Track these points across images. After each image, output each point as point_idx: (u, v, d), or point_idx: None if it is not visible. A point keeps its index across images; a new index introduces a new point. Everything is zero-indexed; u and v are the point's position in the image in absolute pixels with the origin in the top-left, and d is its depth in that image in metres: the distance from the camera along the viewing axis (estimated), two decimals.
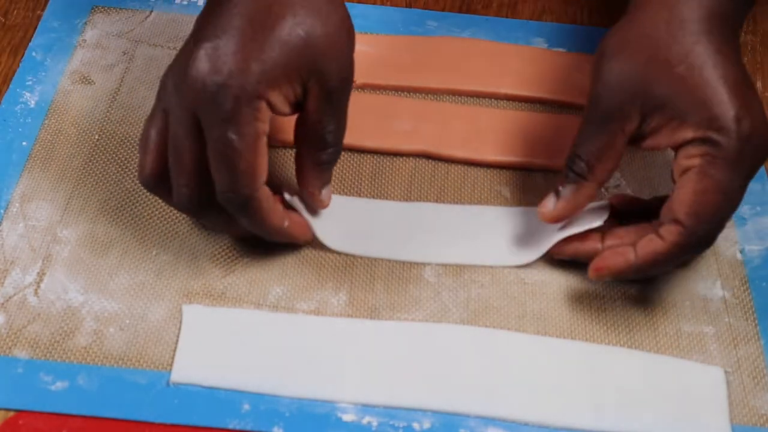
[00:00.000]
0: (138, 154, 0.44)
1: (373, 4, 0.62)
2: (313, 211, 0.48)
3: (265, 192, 0.42)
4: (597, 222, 0.46)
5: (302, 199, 0.47)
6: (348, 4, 0.61)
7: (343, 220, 0.49)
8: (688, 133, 0.42)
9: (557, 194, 0.46)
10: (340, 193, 0.51)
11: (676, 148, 0.43)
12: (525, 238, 0.49)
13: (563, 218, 0.46)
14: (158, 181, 0.43)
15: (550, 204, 0.46)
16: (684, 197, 0.42)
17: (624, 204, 0.48)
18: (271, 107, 0.41)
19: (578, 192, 0.45)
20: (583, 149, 0.45)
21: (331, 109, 0.43)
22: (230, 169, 0.40)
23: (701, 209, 0.42)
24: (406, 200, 0.51)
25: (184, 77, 0.40)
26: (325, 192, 0.47)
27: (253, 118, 0.40)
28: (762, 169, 0.54)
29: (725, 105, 0.41)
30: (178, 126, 0.41)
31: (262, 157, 0.41)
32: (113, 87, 0.55)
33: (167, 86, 0.42)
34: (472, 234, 0.50)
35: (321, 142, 0.44)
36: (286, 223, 0.45)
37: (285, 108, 0.42)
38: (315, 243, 0.48)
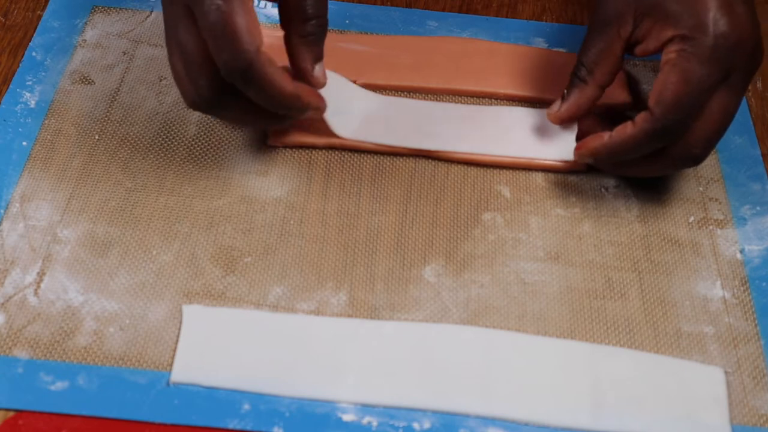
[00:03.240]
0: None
1: (373, 4, 0.62)
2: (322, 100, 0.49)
3: (265, 56, 0.43)
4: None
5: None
6: (348, 4, 0.62)
7: (354, 110, 0.52)
8: (670, 32, 0.46)
9: (563, 98, 0.51)
10: (340, 194, 0.51)
11: (661, 49, 0.47)
12: (543, 137, 0.53)
13: (568, 119, 0.51)
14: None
15: (556, 106, 0.51)
16: (654, 87, 0.46)
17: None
18: None
19: (581, 94, 0.50)
20: (585, 56, 0.49)
21: None
22: (224, 37, 0.41)
23: (665, 97, 0.45)
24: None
25: None
26: (318, 68, 0.47)
27: None
28: (762, 169, 0.54)
29: (707, 6, 0.45)
30: (178, 24, 0.43)
31: (253, 19, 0.42)
32: (113, 87, 0.55)
33: (163, 3, 0.44)
34: (490, 128, 0.54)
35: (303, 13, 0.46)
36: (297, 89, 0.45)
37: None
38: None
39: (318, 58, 0.47)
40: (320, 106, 0.48)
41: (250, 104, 0.45)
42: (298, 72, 0.47)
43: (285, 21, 0.47)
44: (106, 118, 0.53)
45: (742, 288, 0.48)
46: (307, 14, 0.46)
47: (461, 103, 0.56)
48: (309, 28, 0.46)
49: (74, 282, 0.46)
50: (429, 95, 0.56)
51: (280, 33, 0.58)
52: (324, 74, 0.48)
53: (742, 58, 0.45)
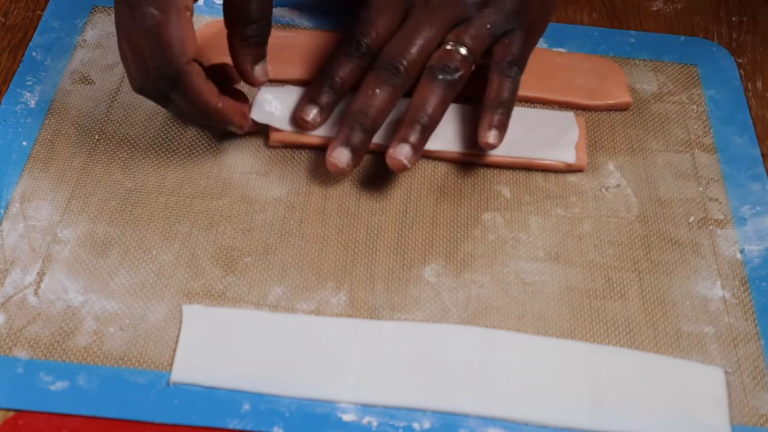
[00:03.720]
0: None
1: None
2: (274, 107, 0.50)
3: (195, 68, 0.44)
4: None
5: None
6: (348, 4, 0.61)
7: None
8: None
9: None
10: (340, 194, 0.51)
11: None
12: (543, 137, 0.53)
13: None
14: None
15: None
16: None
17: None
18: None
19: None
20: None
21: None
22: (156, 43, 0.42)
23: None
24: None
25: None
26: (258, 68, 0.48)
27: None
28: (762, 169, 0.54)
29: None
30: (120, 17, 0.44)
31: (187, 31, 0.43)
32: (113, 87, 0.55)
33: None
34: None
35: (246, 17, 0.46)
36: (220, 105, 0.46)
37: None
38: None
39: (259, 58, 0.48)
40: (242, 126, 0.49)
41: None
42: (239, 72, 0.48)
43: (229, 22, 0.47)
44: (106, 118, 0.53)
45: (742, 288, 0.48)
46: (250, 18, 0.46)
47: (461, 102, 0.56)
48: (250, 32, 0.47)
49: (74, 282, 0.46)
50: None
51: (282, 33, 0.58)
52: (264, 73, 0.48)
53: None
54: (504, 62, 0.50)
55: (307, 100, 0.50)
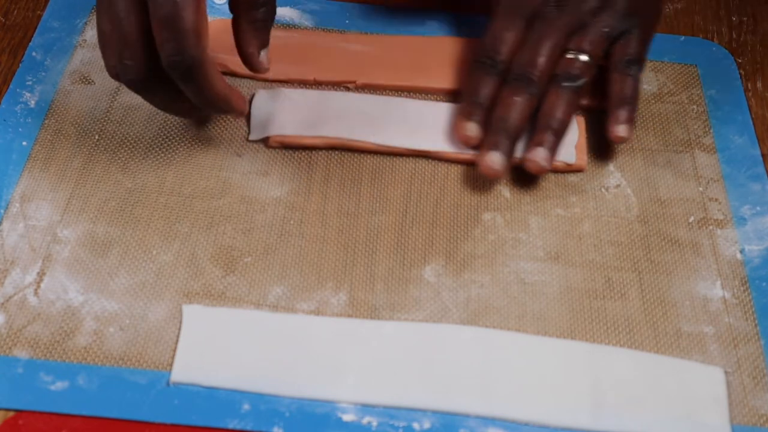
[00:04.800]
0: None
1: (373, 3, 0.62)
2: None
3: (209, 56, 0.44)
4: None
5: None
6: (348, 4, 0.62)
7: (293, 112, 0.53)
8: None
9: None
10: (340, 194, 0.51)
11: None
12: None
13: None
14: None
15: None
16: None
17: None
18: None
19: None
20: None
21: None
22: (176, 30, 0.42)
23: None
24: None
25: None
26: (263, 54, 0.48)
27: None
28: (762, 169, 0.54)
29: None
30: (119, 1, 0.43)
31: (205, 19, 0.43)
32: (113, 87, 0.55)
33: None
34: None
35: (253, 1, 0.46)
36: (227, 92, 0.46)
37: None
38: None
39: (264, 44, 0.48)
40: (243, 111, 0.49)
41: (177, 95, 0.45)
42: (244, 57, 0.48)
43: (234, 6, 0.47)
44: (106, 118, 0.53)
45: (742, 288, 0.48)
46: (257, 1, 0.47)
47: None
48: (258, 15, 0.47)
49: (74, 282, 0.46)
50: (429, 95, 0.56)
51: (282, 33, 0.58)
52: (268, 60, 0.49)
53: None
54: (623, 62, 0.53)
55: (463, 118, 0.52)
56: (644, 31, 0.54)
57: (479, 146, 0.51)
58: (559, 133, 0.51)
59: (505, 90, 0.52)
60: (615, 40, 0.53)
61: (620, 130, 0.52)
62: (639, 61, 0.53)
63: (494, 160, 0.50)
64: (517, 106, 0.51)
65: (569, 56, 0.52)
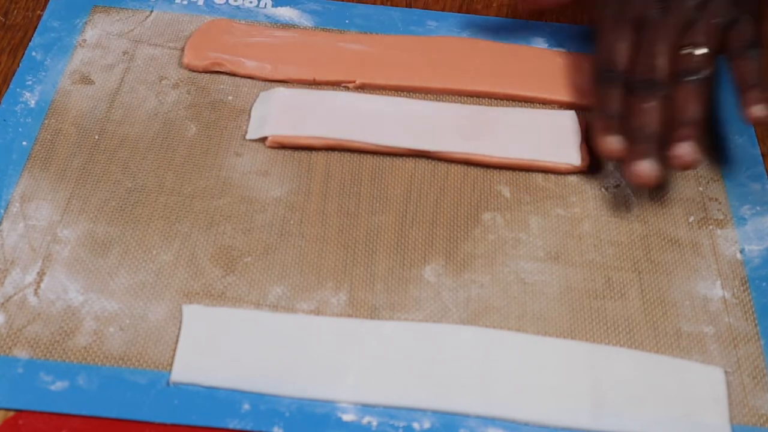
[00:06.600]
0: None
1: (373, 3, 0.62)
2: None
3: None
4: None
5: None
6: (348, 4, 0.62)
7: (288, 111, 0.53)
8: None
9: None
10: (340, 194, 0.51)
11: None
12: (544, 138, 0.54)
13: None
14: None
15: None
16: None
17: None
18: None
19: None
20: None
21: None
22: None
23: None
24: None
25: None
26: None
27: None
28: (762, 169, 0.54)
29: None
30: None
31: None
32: (113, 87, 0.55)
33: None
34: (490, 128, 0.53)
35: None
36: None
37: None
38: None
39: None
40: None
41: None
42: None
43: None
44: (106, 118, 0.53)
45: (742, 288, 0.48)
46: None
47: (461, 103, 0.56)
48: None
49: (74, 282, 0.46)
50: (429, 95, 0.56)
51: (282, 33, 0.58)
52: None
53: None
54: (741, 48, 0.53)
55: (603, 134, 0.51)
56: (754, 14, 0.54)
57: (624, 158, 0.51)
58: (698, 126, 0.51)
59: (635, 99, 0.51)
60: (727, 28, 0.53)
61: (757, 110, 0.51)
62: (756, 44, 0.53)
63: (647, 168, 0.49)
64: (651, 111, 0.51)
65: (686, 52, 0.52)
